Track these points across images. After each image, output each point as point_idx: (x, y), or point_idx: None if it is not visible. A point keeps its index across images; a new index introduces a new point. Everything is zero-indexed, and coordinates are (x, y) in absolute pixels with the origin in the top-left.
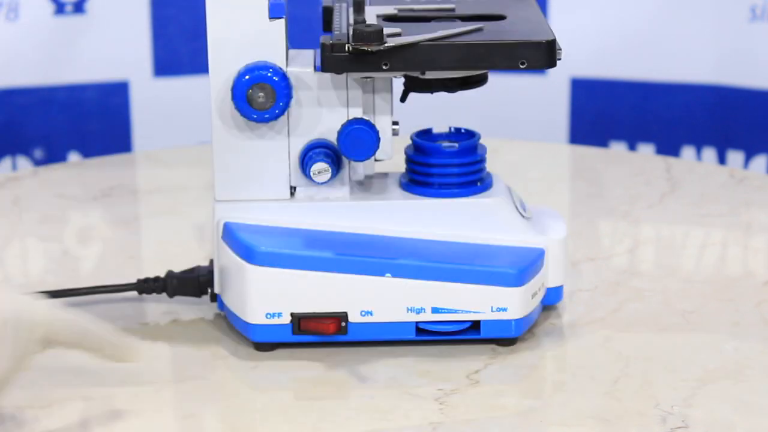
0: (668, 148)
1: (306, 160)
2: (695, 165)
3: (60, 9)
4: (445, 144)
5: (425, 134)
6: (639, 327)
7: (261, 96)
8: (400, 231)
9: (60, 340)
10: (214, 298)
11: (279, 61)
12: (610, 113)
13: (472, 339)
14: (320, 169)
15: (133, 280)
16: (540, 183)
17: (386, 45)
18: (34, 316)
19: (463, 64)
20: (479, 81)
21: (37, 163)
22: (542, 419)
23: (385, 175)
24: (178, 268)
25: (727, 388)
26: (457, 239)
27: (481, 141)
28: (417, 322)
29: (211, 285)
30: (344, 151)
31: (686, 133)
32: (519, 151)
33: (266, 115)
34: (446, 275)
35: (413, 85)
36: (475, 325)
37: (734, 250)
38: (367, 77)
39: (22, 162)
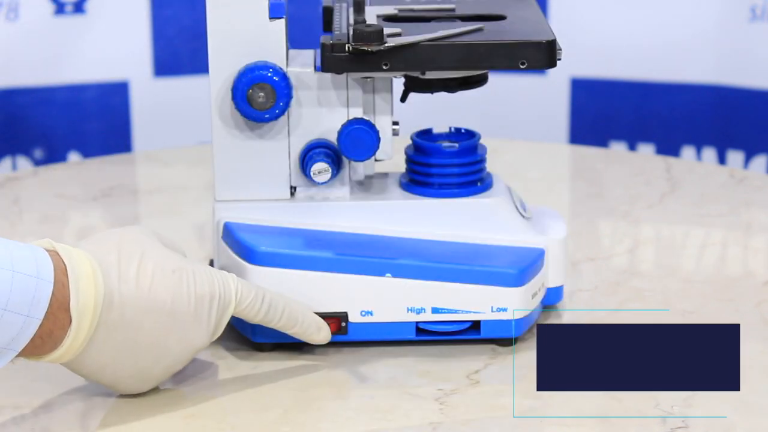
0: (668, 148)
1: (306, 160)
2: (695, 165)
3: (60, 9)
4: (445, 144)
5: (425, 134)
6: None
7: (261, 96)
8: (400, 231)
9: (250, 316)
10: None
11: (279, 61)
12: (610, 113)
13: (472, 339)
14: (320, 169)
15: None
16: (540, 183)
17: (386, 45)
18: (229, 292)
19: (463, 64)
20: (479, 81)
21: (37, 163)
22: (542, 419)
23: (385, 175)
24: None
25: None
26: (457, 239)
27: (481, 141)
28: (417, 322)
29: None
30: (344, 151)
31: (686, 133)
32: (519, 151)
33: (266, 115)
34: (446, 275)
35: (413, 85)
36: (475, 325)
37: (734, 250)
38: (367, 77)
39: (22, 162)
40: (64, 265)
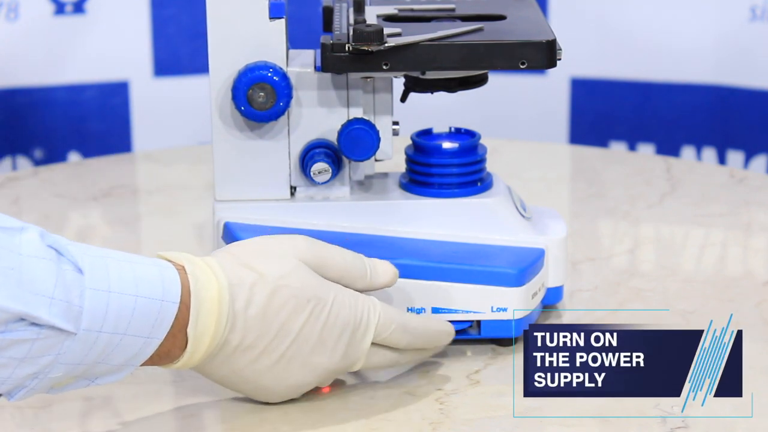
0: (668, 148)
1: (306, 160)
2: (695, 165)
3: (60, 9)
4: (446, 144)
5: (425, 134)
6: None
7: (261, 96)
8: (400, 231)
9: (393, 342)
10: None
11: (279, 61)
12: (610, 113)
13: (472, 339)
14: (320, 169)
15: None
16: (540, 183)
17: (386, 45)
18: (369, 322)
19: (463, 64)
20: (479, 81)
21: (37, 163)
22: (542, 419)
23: (385, 175)
24: None
25: None
26: (457, 239)
27: (481, 141)
28: None
29: None
30: (344, 151)
31: (686, 133)
32: (519, 151)
33: (266, 115)
34: (446, 275)
35: (413, 85)
36: (475, 325)
37: (734, 250)
38: (367, 77)
39: (22, 162)
40: (189, 285)
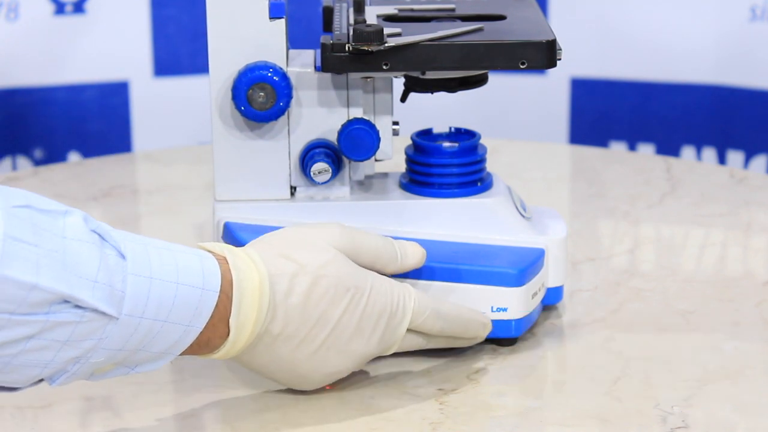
0: (668, 148)
1: (306, 160)
2: (695, 165)
3: (60, 9)
4: (446, 144)
5: (425, 134)
6: (639, 327)
7: (261, 96)
8: (400, 231)
9: (426, 329)
10: None
11: (279, 61)
12: (610, 113)
13: None
14: (320, 169)
15: None
16: (540, 183)
17: (386, 45)
18: (406, 309)
19: (463, 64)
20: (479, 81)
21: (37, 163)
22: (542, 419)
23: (385, 175)
24: None
25: (727, 388)
26: (457, 239)
27: (481, 141)
28: None
29: None
30: (344, 151)
31: (686, 133)
32: (519, 151)
33: (266, 115)
34: (446, 275)
35: (413, 85)
36: None
37: (734, 250)
38: (367, 77)
39: (22, 162)
40: (231, 276)
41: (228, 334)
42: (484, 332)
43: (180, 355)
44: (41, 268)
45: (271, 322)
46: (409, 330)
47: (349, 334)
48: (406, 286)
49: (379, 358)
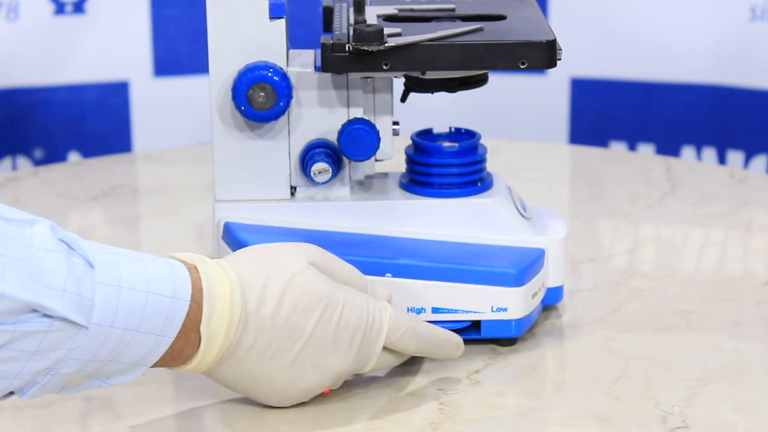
0: (668, 148)
1: (306, 160)
2: (695, 165)
3: (60, 9)
4: (446, 144)
5: (426, 134)
6: (639, 327)
7: (261, 96)
8: (400, 231)
9: (401, 346)
10: None
11: (279, 61)
12: (610, 113)
13: (472, 339)
14: (320, 169)
15: None
16: (540, 183)
17: (386, 45)
18: (382, 324)
19: (463, 64)
20: (479, 81)
21: (37, 163)
22: (542, 419)
23: (385, 175)
24: None
25: (727, 388)
26: (457, 239)
27: (481, 141)
28: None
29: None
30: (344, 151)
31: (686, 133)
32: (519, 151)
33: (266, 115)
34: (446, 275)
35: (413, 85)
36: (476, 325)
37: (734, 250)
38: (367, 77)
39: (22, 162)
40: (201, 283)
41: (200, 344)
42: (458, 353)
43: (154, 367)
44: (7, 276)
45: (243, 333)
46: (385, 348)
47: (325, 347)
48: (383, 302)
49: None
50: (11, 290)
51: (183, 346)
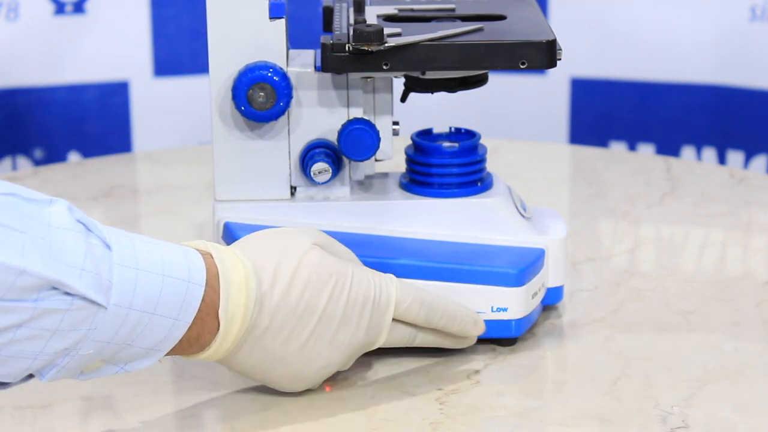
0: (668, 148)
1: (306, 160)
2: (695, 165)
3: (60, 9)
4: (446, 144)
5: (425, 134)
6: (639, 327)
7: (261, 96)
8: (400, 231)
9: (410, 319)
10: None
11: (279, 61)
12: (610, 113)
13: None
14: (320, 169)
15: None
16: (540, 183)
17: (386, 45)
18: (390, 295)
19: (463, 64)
20: (479, 81)
21: (37, 163)
22: (542, 419)
23: (385, 175)
24: None
25: (727, 388)
26: (457, 239)
27: (481, 141)
28: None
29: None
30: (344, 151)
31: (686, 133)
32: (519, 151)
33: (266, 115)
34: (446, 275)
35: (413, 85)
36: None
37: (734, 250)
38: (367, 77)
39: (22, 162)
40: (217, 269)
41: (218, 328)
42: (475, 329)
43: (171, 354)
44: (28, 253)
45: (259, 315)
46: (395, 320)
47: (337, 322)
48: (387, 275)
49: (378, 356)
50: (32, 266)
51: (200, 332)
